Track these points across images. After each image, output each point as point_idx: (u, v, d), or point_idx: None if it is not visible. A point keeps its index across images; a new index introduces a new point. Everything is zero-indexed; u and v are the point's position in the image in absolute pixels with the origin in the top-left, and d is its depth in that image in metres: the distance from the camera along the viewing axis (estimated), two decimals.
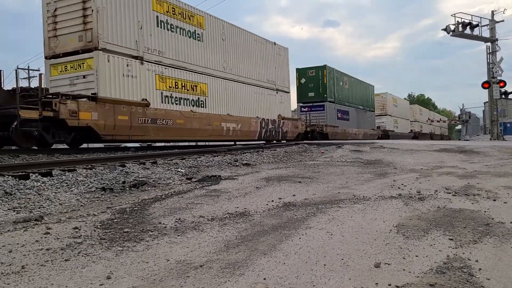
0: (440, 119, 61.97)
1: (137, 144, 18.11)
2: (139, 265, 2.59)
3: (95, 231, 3.48)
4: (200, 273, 2.45)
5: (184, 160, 9.45)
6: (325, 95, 27.73)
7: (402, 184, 6.11)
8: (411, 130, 42.34)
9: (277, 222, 3.81)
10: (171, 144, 18.95)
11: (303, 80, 28.49)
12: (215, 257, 2.75)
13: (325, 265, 2.60)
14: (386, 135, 39.17)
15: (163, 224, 3.73)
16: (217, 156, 10.94)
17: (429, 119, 56.42)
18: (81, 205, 4.83)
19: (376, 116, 39.17)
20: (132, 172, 7.27)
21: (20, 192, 5.18)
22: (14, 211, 4.42)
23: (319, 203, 4.73)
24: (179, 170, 8.16)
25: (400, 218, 3.87)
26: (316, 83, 27.95)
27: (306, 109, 27.99)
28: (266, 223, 3.76)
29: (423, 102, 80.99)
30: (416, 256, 2.76)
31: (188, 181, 6.90)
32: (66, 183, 5.97)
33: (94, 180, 6.33)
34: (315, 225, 3.64)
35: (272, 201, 4.89)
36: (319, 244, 3.05)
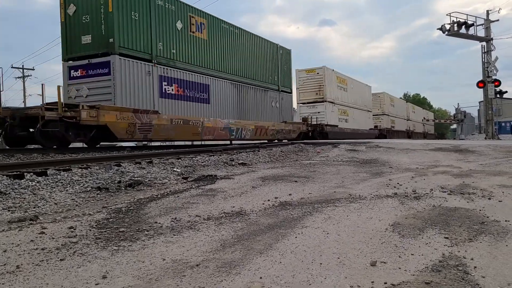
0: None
1: (132, 144, 18.10)
2: (135, 265, 2.58)
3: (90, 230, 3.47)
4: (196, 272, 2.44)
5: (180, 160, 9.43)
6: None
7: (398, 183, 6.13)
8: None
9: (273, 221, 3.81)
10: (167, 143, 19.07)
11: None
12: (211, 256, 2.75)
13: (321, 264, 2.60)
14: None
15: (159, 223, 3.72)
16: (213, 155, 10.93)
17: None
18: (77, 205, 4.81)
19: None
20: (128, 172, 7.25)
21: (14, 192, 5.15)
22: (8, 210, 4.39)
23: (315, 202, 4.73)
24: (175, 169, 8.14)
25: (396, 217, 3.89)
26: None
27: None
28: (262, 222, 3.76)
29: (419, 101, 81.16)
30: (412, 254, 2.77)
31: (184, 181, 6.89)
32: (61, 182, 5.94)
33: (90, 180, 6.30)
34: (311, 224, 3.64)
35: (268, 200, 4.89)
36: (315, 243, 3.05)
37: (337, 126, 29.69)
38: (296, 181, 6.57)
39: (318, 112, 28.00)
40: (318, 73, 28.67)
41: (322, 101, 28.36)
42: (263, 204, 4.68)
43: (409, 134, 46.57)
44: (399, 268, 2.51)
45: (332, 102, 29.34)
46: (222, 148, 13.34)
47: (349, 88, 33.10)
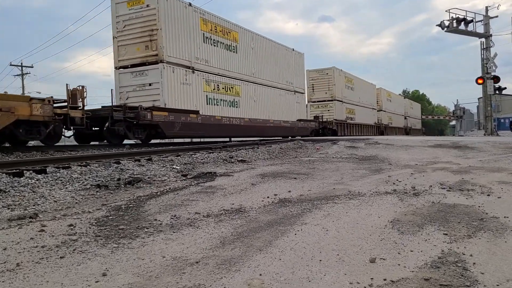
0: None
1: (131, 141, 18.18)
2: (135, 262, 2.58)
3: (90, 228, 3.47)
4: (196, 270, 2.45)
5: (179, 157, 9.43)
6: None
7: (397, 180, 6.14)
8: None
9: (273, 218, 3.82)
10: (173, 140, 20.26)
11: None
12: (211, 254, 2.75)
13: (320, 260, 2.61)
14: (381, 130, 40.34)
15: (159, 221, 3.73)
16: (213, 152, 10.93)
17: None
18: (76, 202, 4.81)
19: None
20: (127, 169, 7.25)
21: (14, 190, 5.16)
22: (8, 208, 4.39)
23: (314, 199, 4.74)
24: (174, 167, 8.14)
25: (395, 214, 3.89)
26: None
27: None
28: (261, 219, 3.76)
29: (418, 98, 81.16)
30: (411, 251, 2.78)
31: (184, 178, 6.89)
32: (61, 180, 5.94)
33: (89, 177, 6.30)
34: (311, 221, 3.65)
35: (268, 197, 4.90)
36: (314, 240, 3.06)
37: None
38: (295, 178, 6.57)
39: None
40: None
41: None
42: (263, 201, 4.68)
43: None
44: (399, 265, 2.51)
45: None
46: (221, 145, 13.34)
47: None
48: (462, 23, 25.22)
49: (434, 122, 76.18)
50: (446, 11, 25.58)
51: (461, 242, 2.95)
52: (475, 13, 26.41)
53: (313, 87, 31.10)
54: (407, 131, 48.00)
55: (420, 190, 5.18)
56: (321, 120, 27.99)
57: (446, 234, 3.15)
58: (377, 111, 42.33)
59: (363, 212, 3.99)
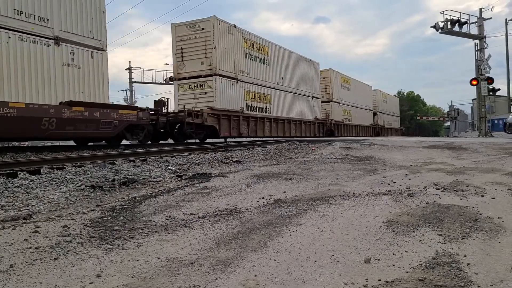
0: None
1: (127, 142, 18.19)
2: (129, 263, 2.57)
3: (84, 229, 3.45)
4: (191, 271, 2.44)
5: (174, 158, 9.41)
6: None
7: (392, 181, 6.16)
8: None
9: (268, 219, 3.82)
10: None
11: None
12: (206, 254, 2.75)
13: (315, 261, 2.61)
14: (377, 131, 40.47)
15: (154, 221, 3.72)
16: (208, 153, 10.91)
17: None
18: (70, 203, 4.79)
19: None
20: (122, 170, 7.23)
21: (8, 191, 5.12)
22: (2, 209, 4.37)
23: (309, 200, 4.75)
24: (169, 167, 8.12)
25: (390, 214, 3.91)
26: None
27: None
28: (256, 220, 3.76)
29: (413, 99, 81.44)
30: (406, 251, 2.79)
31: (179, 179, 6.88)
32: (55, 181, 5.91)
33: (83, 178, 6.27)
34: (306, 222, 3.65)
35: (263, 198, 4.90)
36: (309, 241, 3.06)
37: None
38: (290, 179, 6.58)
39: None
40: (324, 78, 30.42)
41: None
42: (258, 202, 4.68)
43: (377, 131, 42.42)
44: (393, 265, 2.52)
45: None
46: (216, 146, 13.33)
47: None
48: (456, 24, 25.32)
49: (428, 123, 76.42)
50: (440, 12, 25.70)
51: (455, 243, 2.97)
52: (469, 14, 26.58)
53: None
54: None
55: (414, 190, 5.20)
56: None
57: (441, 235, 3.17)
58: (373, 112, 41.98)
59: (358, 213, 4.00)
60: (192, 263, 2.57)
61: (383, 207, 4.25)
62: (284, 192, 5.31)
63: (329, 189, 5.48)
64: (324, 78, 30.33)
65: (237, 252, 2.79)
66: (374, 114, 35.00)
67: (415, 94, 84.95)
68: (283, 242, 3.04)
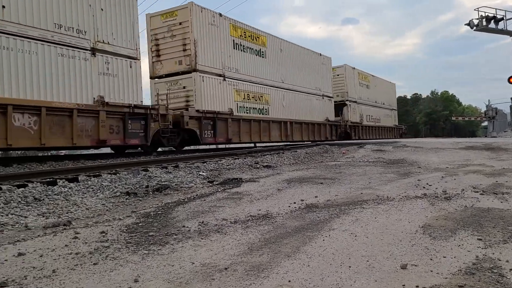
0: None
1: (159, 149, 18.44)
2: (165, 268, 2.62)
3: (121, 235, 3.54)
4: (225, 276, 2.46)
5: (205, 164, 9.52)
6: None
7: (427, 184, 6.00)
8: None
9: (300, 224, 3.80)
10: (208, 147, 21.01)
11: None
12: (239, 260, 2.77)
13: (350, 267, 2.58)
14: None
15: (187, 227, 3.77)
16: (238, 158, 10.98)
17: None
18: (107, 210, 4.93)
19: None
20: (155, 176, 7.38)
21: (48, 198, 5.33)
22: (43, 216, 4.55)
23: (341, 204, 4.69)
24: (200, 173, 8.23)
25: (426, 219, 3.81)
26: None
27: None
28: (288, 225, 3.75)
29: (447, 99, 79.08)
30: (444, 257, 2.71)
31: (210, 184, 6.95)
32: (92, 188, 6.10)
33: (119, 185, 6.44)
34: (339, 227, 3.62)
35: (294, 203, 4.88)
36: (343, 246, 3.03)
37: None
38: (322, 183, 6.53)
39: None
40: (338, 75, 28.05)
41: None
42: (289, 206, 4.67)
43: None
44: (431, 271, 2.46)
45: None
46: (247, 151, 13.39)
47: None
48: (492, 21, 24.51)
49: (464, 124, 73.94)
50: (475, 9, 24.95)
51: (496, 248, 2.86)
52: (505, 10, 25.63)
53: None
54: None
55: (451, 194, 5.05)
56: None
57: (481, 239, 3.06)
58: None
59: (393, 217, 3.92)
60: (226, 269, 2.59)
61: (418, 211, 4.15)
62: (315, 196, 5.28)
63: (361, 193, 5.40)
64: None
65: (270, 257, 2.80)
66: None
67: (450, 94, 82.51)
68: (316, 247, 3.02)
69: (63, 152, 19.44)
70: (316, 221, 3.90)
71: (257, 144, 20.06)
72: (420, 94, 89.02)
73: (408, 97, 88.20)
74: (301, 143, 21.10)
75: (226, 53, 16.76)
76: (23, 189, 5.54)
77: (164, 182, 6.90)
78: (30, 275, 2.54)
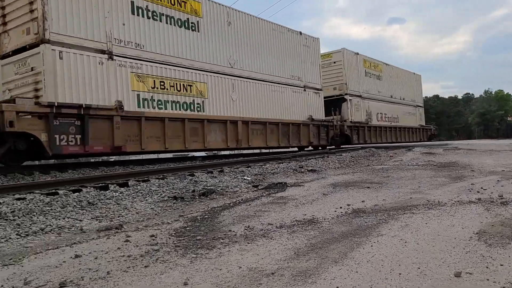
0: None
1: (203, 154, 18.67)
2: (213, 272, 2.67)
3: (170, 238, 3.64)
4: (272, 281, 2.47)
5: (249, 168, 9.59)
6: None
7: (482, 188, 5.72)
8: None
9: (347, 229, 3.74)
10: (236, 152, 19.24)
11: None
12: (286, 265, 2.76)
13: (400, 274, 2.50)
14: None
15: (233, 231, 3.81)
16: (282, 163, 10.98)
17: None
18: (156, 214, 5.08)
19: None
20: (201, 181, 7.52)
21: (101, 203, 5.57)
22: (96, 220, 4.76)
23: (390, 209, 4.57)
24: (245, 178, 8.30)
25: (481, 225, 3.63)
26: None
27: None
28: (335, 230, 3.70)
29: (502, 98, 74.87)
30: (501, 265, 2.57)
31: (255, 189, 6.99)
32: (141, 192, 6.31)
33: (166, 190, 6.62)
34: (387, 232, 3.52)
35: (341, 207, 4.81)
36: (392, 252, 2.95)
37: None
38: (368, 187, 6.39)
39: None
40: (335, 62, 21.52)
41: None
42: (335, 211, 4.61)
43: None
44: (487, 280, 2.34)
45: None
46: (291, 155, 13.36)
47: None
48: None
49: None
50: None
51: None
52: None
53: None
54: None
55: (509, 198, 4.78)
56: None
57: None
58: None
59: (445, 223, 3.77)
60: (272, 273, 2.60)
61: (473, 217, 3.96)
62: (362, 201, 5.17)
63: (411, 198, 5.24)
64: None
65: (317, 263, 2.77)
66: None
67: (505, 93, 78.15)
68: (364, 253, 2.96)
69: (112, 158, 20.08)
70: (363, 226, 3.82)
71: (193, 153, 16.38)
72: (472, 94, 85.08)
73: (459, 97, 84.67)
74: (267, 150, 17.81)
75: (115, 19, 11.09)
76: (78, 193, 5.82)
77: (209, 186, 7.02)
78: (87, 276, 2.67)
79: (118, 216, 4.94)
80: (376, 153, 14.69)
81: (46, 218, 4.63)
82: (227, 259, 2.95)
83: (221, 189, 6.85)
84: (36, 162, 14.22)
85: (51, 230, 4.24)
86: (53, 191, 5.85)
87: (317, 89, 19.37)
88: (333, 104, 20.97)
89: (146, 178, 7.41)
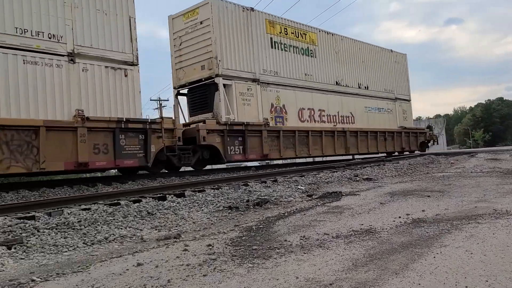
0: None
1: (256, 163, 18.87)
2: (270, 282, 2.67)
3: (226, 248, 3.69)
4: None
5: (303, 177, 9.53)
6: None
7: None
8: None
9: (407, 239, 3.61)
10: (289, 161, 19.66)
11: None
12: (344, 276, 2.71)
13: (466, 287, 2.37)
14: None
15: (289, 241, 3.80)
16: (336, 171, 10.80)
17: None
18: (212, 224, 5.18)
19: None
20: (255, 191, 7.57)
21: (159, 212, 5.77)
22: (155, 229, 4.94)
23: (453, 218, 4.35)
24: (299, 187, 8.25)
25: None
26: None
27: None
28: (394, 241, 3.58)
29: None
30: None
31: (309, 198, 6.93)
32: (197, 203, 6.46)
33: (221, 200, 6.73)
34: (451, 243, 3.35)
35: (399, 217, 4.64)
36: (457, 264, 2.79)
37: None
38: (429, 196, 6.12)
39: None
40: (201, 23, 13.81)
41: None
42: (394, 221, 4.45)
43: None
44: None
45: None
46: (345, 163, 13.12)
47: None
48: None
49: None
50: None
51: None
52: None
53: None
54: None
55: None
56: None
57: None
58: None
59: None
60: (331, 284, 2.55)
61: None
62: (422, 210, 4.96)
63: (475, 207, 4.95)
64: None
65: (377, 274, 2.69)
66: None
67: None
68: (427, 264, 2.83)
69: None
70: (425, 236, 3.66)
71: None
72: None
73: None
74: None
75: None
76: (138, 204, 6.07)
77: (263, 196, 7.04)
78: (149, 284, 2.77)
79: (176, 226, 5.09)
80: (436, 160, 14.06)
81: (110, 228, 4.86)
82: (284, 269, 2.94)
83: (275, 198, 6.86)
84: (99, 174, 15.48)
85: (114, 239, 4.45)
86: (115, 201, 6.15)
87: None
88: (206, 93, 14.02)
89: (201, 188, 7.59)
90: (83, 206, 5.79)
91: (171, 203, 6.31)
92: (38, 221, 4.87)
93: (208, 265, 3.13)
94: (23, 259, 3.74)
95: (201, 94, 14.36)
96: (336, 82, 18.32)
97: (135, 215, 5.53)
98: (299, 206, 6.05)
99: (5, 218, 4.84)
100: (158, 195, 6.86)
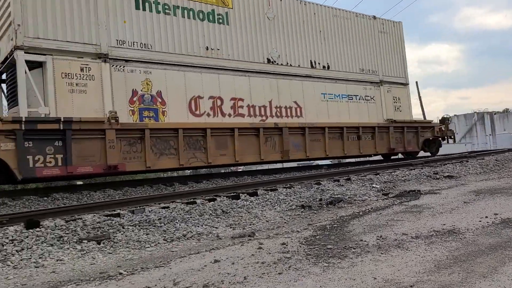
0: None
1: (328, 162, 18.59)
2: (347, 282, 2.62)
3: (300, 247, 3.68)
4: None
5: (378, 175, 9.21)
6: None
7: None
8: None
9: (495, 241, 3.34)
10: (361, 159, 18.81)
11: None
12: (426, 278, 2.57)
13: None
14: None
15: (365, 241, 3.70)
16: (414, 169, 10.29)
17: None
18: (285, 222, 5.19)
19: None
20: (327, 190, 7.46)
21: (233, 211, 5.90)
22: (230, 227, 5.06)
23: None
24: (374, 185, 7.99)
25: None
26: None
27: None
28: (481, 242, 3.34)
29: None
30: None
31: (385, 197, 6.69)
32: (270, 201, 6.51)
33: (294, 198, 6.73)
34: None
35: (486, 217, 4.32)
36: None
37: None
38: None
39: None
40: None
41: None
42: (480, 221, 4.15)
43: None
44: None
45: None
46: (423, 160, 12.47)
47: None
48: None
49: None
50: None
51: None
52: None
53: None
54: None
55: None
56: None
57: None
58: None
59: None
60: (411, 286, 2.44)
61: None
62: None
63: None
64: None
65: (462, 277, 2.52)
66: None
67: None
68: None
69: (240, 168, 20.73)
70: None
71: None
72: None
73: None
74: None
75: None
76: (212, 202, 6.26)
77: (337, 195, 6.92)
78: (226, 280, 2.85)
79: (250, 224, 5.18)
80: None
81: (187, 225, 5.07)
82: (361, 269, 2.87)
83: (348, 197, 6.71)
84: (175, 174, 16.10)
85: (192, 236, 4.63)
86: (192, 200, 6.40)
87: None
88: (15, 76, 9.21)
89: (274, 187, 7.64)
90: (162, 205, 6.10)
91: (245, 202, 6.42)
92: (123, 218, 5.21)
93: (283, 264, 3.14)
94: (110, 253, 4.03)
95: (11, 78, 9.54)
96: (268, 59, 12.54)
97: (211, 213, 5.71)
98: (374, 205, 5.86)
99: (94, 216, 5.25)
100: (232, 193, 7.02)
